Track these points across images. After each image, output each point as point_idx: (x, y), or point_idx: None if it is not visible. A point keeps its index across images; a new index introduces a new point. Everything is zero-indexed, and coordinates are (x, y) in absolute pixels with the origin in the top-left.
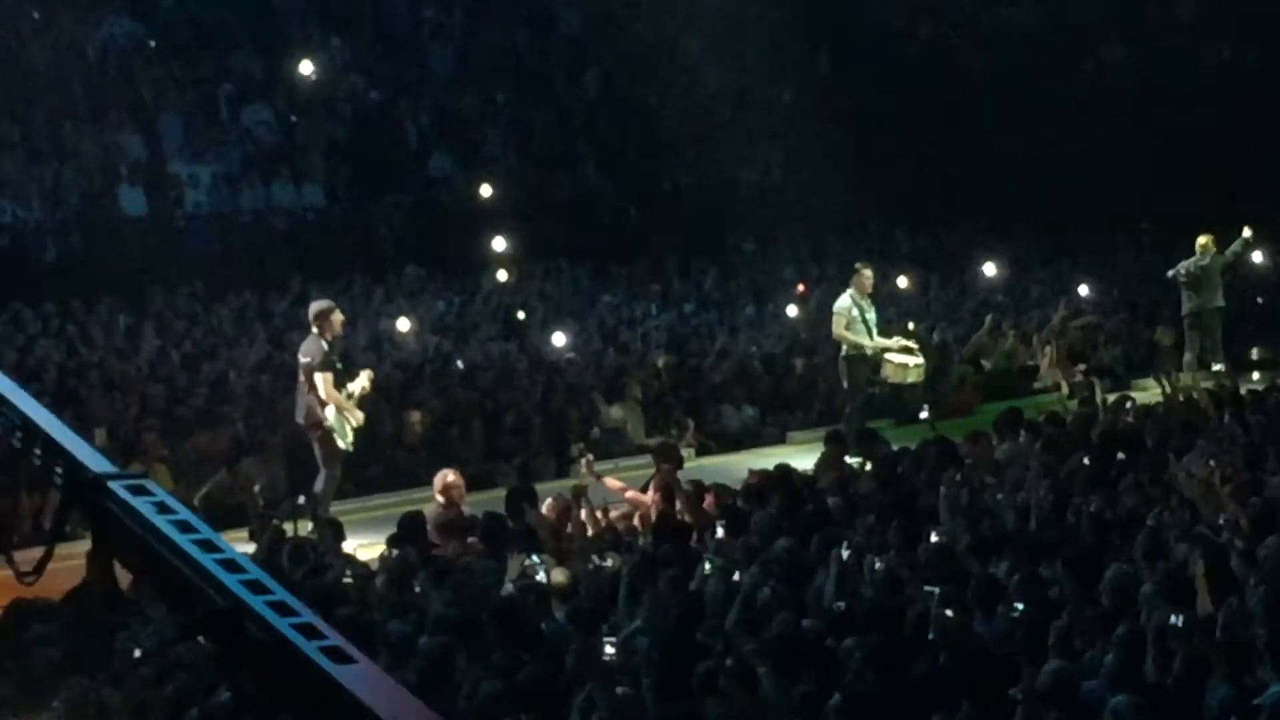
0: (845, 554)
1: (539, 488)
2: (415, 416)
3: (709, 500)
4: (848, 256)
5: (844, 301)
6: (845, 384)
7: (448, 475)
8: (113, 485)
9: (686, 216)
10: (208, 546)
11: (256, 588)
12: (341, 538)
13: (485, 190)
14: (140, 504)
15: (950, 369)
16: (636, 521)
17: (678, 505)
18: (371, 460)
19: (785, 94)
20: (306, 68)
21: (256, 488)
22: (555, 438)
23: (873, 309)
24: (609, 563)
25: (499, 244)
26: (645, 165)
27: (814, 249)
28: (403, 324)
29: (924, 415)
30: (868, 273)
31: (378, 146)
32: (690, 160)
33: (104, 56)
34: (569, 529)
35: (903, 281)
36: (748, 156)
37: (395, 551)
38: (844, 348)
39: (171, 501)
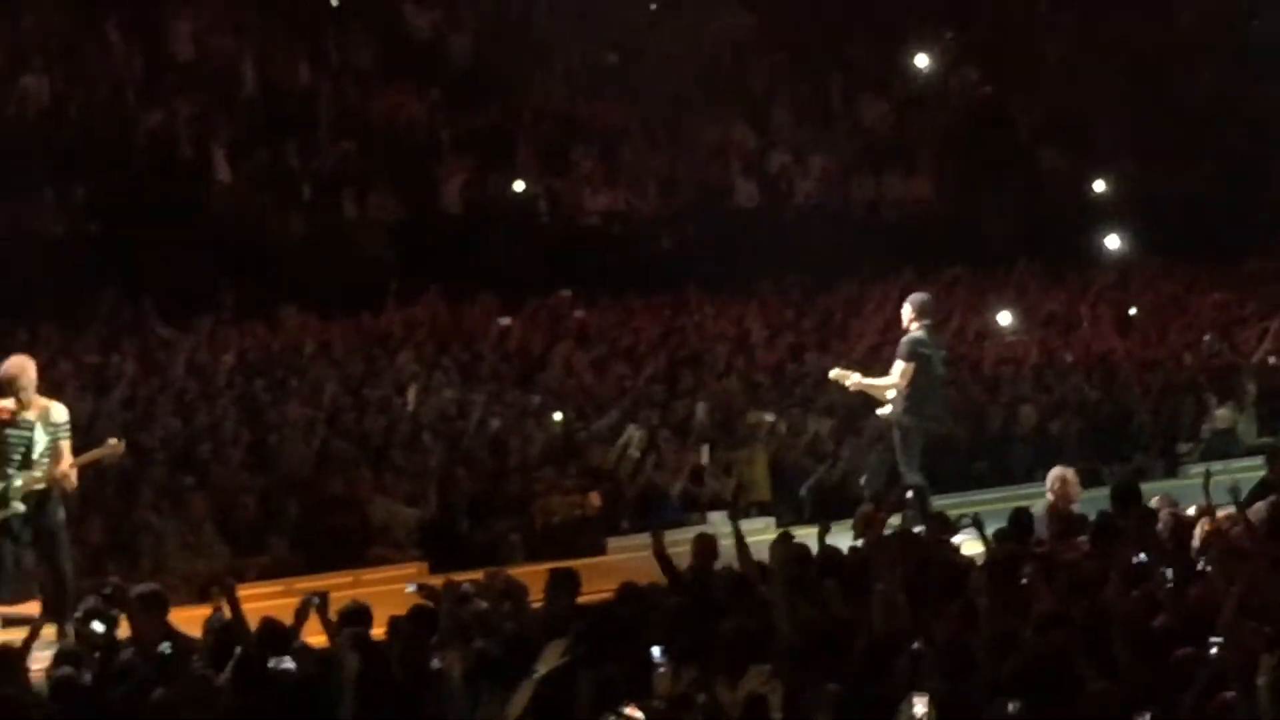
0: None
1: (1146, 488)
2: (1027, 411)
3: None
4: None
5: None
6: None
7: (1065, 473)
8: None
9: None
10: None
11: None
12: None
13: (1098, 186)
14: None
15: None
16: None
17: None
18: (980, 455)
19: None
20: (920, 60)
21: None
22: (1165, 438)
23: None
24: None
25: (1112, 241)
26: (1258, 165)
27: None
28: (1005, 318)
29: None
30: None
31: (988, 140)
32: None
33: (719, 47)
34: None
35: None
36: None
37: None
38: None
39: None
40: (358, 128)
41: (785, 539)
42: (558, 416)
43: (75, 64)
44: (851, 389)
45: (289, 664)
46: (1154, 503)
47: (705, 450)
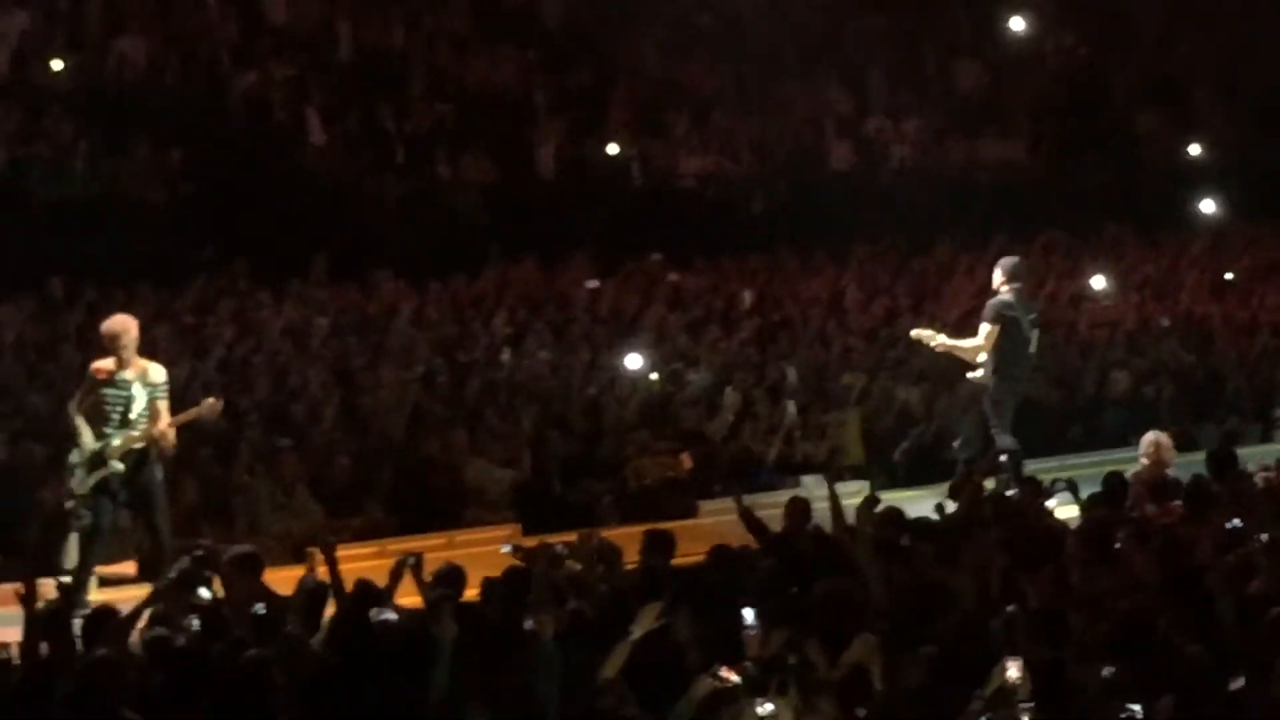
0: None
1: (1242, 452)
2: (1121, 375)
3: None
4: None
5: None
6: None
7: (1159, 437)
8: None
9: None
10: None
11: None
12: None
13: (1194, 150)
14: None
15: None
16: None
17: None
18: (1074, 419)
19: None
20: (1015, 23)
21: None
22: (1260, 402)
23: None
24: None
25: (1207, 205)
26: None
27: None
28: (1099, 282)
29: None
30: None
31: (1084, 103)
32: None
33: (813, 10)
34: None
35: None
36: None
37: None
38: None
39: None
40: (452, 90)
41: (870, 503)
42: (653, 377)
43: (171, 27)
44: (936, 349)
45: (389, 614)
46: (1251, 467)
47: (791, 406)
